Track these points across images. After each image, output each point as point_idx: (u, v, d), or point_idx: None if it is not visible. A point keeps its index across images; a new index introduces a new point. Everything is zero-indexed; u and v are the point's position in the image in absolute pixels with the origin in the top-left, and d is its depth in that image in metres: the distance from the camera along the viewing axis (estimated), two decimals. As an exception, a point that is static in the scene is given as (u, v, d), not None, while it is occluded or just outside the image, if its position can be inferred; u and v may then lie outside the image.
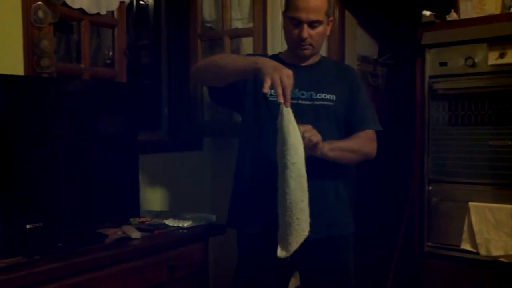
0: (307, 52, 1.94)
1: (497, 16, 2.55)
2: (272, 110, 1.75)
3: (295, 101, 1.83)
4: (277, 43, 2.63)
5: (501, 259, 2.47)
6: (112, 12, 2.43)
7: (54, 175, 1.81)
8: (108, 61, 2.82)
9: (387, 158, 3.57)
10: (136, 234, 1.93)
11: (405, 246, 2.99)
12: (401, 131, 3.68)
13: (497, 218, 2.47)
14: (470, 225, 2.54)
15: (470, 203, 2.55)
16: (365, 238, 2.92)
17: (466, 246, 2.56)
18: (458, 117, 2.63)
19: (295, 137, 1.65)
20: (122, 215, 2.09)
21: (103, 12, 2.33)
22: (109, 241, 1.87)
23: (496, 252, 2.47)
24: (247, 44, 2.73)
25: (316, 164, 1.78)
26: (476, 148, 2.57)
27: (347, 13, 3.29)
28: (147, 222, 2.16)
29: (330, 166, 1.88)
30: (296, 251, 1.71)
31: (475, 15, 2.61)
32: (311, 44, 1.91)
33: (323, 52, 2.31)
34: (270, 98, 1.82)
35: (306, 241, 1.72)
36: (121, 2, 2.43)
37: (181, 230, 2.09)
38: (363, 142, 1.97)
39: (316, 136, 1.73)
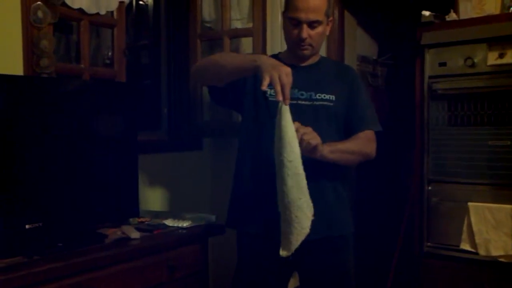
0: (306, 52, 1.94)
1: (497, 16, 2.55)
2: (272, 110, 1.75)
3: (295, 101, 1.83)
4: (276, 43, 2.63)
5: (500, 259, 2.47)
6: (112, 12, 2.43)
7: (53, 175, 1.81)
8: (108, 61, 2.81)
9: (387, 158, 3.58)
10: (135, 234, 1.93)
11: (405, 246, 2.99)
12: (401, 131, 3.68)
13: (497, 218, 2.47)
14: (470, 225, 2.54)
15: (470, 203, 2.55)
16: (365, 238, 2.92)
17: (465, 246, 2.56)
18: (457, 117, 2.63)
19: (291, 135, 1.65)
20: (122, 215, 2.09)
21: (103, 12, 2.33)
22: (108, 241, 1.87)
23: (495, 252, 2.47)
24: (247, 44, 2.73)
25: (315, 165, 1.78)
26: (476, 148, 2.57)
27: (346, 13, 3.29)
28: (146, 222, 2.16)
29: (329, 166, 1.88)
30: (296, 251, 1.72)
31: (474, 15, 2.62)
32: (310, 44, 1.91)
33: (322, 52, 2.31)
34: (270, 98, 1.82)
35: (306, 241, 1.72)
36: (121, 2, 2.43)
37: (180, 230, 2.08)
38: (363, 143, 1.97)
39: (315, 139, 1.72)
